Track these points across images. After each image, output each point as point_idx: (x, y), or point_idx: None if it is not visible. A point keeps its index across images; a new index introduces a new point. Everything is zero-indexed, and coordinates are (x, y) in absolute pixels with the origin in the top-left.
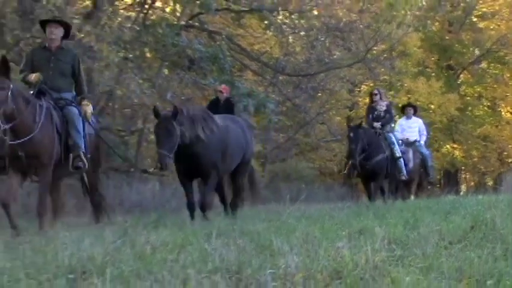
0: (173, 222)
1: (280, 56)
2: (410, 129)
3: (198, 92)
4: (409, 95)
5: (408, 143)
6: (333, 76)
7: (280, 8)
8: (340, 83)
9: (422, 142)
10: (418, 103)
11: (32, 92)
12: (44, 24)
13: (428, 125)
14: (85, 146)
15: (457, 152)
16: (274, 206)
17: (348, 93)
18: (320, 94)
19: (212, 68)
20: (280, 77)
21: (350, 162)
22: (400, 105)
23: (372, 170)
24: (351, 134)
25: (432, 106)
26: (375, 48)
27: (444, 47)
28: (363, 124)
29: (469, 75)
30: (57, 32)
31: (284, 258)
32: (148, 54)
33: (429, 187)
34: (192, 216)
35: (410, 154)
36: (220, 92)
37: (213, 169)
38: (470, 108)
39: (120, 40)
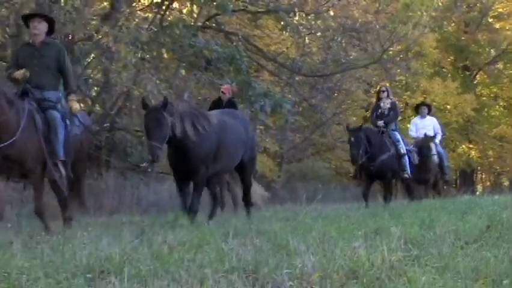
0: (190, 221)
1: (297, 56)
2: (425, 128)
3: (215, 93)
4: (425, 96)
5: (429, 137)
6: (349, 76)
7: (296, 9)
8: (356, 84)
9: (437, 141)
10: (434, 104)
11: (15, 91)
12: (27, 19)
13: (444, 125)
14: (65, 151)
15: (472, 152)
16: (290, 205)
17: (364, 93)
18: (336, 94)
19: (229, 69)
20: (297, 78)
21: (357, 164)
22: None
23: (378, 170)
24: (352, 139)
25: (448, 106)
26: (391, 48)
27: (461, 47)
28: (367, 124)
29: (485, 76)
30: (41, 27)
31: (301, 258)
32: (165, 55)
33: (445, 187)
34: (192, 220)
35: (433, 149)
36: (223, 92)
37: (201, 169)
38: (486, 108)
39: (137, 41)
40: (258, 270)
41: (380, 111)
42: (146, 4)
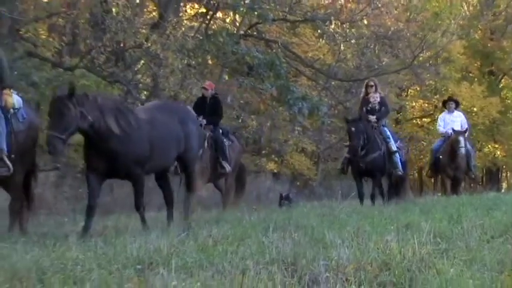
0: (233, 217)
1: (333, 62)
2: (453, 123)
3: (256, 96)
4: None
5: (460, 131)
6: (381, 81)
7: (332, 18)
8: (388, 88)
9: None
10: (462, 106)
11: None
12: None
13: (471, 126)
14: (8, 146)
15: (498, 152)
16: (327, 202)
17: (395, 96)
18: None
19: (269, 74)
20: (333, 82)
21: (344, 156)
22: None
23: (368, 168)
24: (353, 129)
25: (475, 109)
26: (421, 55)
27: (487, 53)
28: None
29: (510, 80)
30: None
31: (336, 251)
32: (209, 61)
33: (471, 185)
34: (88, 224)
35: (462, 142)
36: (205, 88)
37: (137, 168)
38: (510, 110)
39: (184, 48)
40: (296, 262)
41: (370, 106)
42: (192, 14)
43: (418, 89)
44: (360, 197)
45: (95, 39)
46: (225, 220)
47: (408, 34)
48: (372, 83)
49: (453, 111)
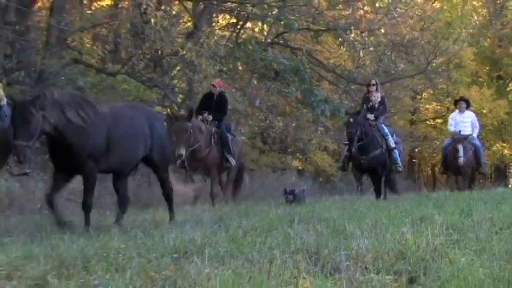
0: (261, 209)
1: (352, 68)
2: (463, 123)
3: (282, 99)
4: None
5: (461, 137)
6: (397, 85)
7: (352, 27)
8: (404, 91)
9: (475, 135)
10: (472, 108)
11: None
12: None
13: (481, 126)
14: None
15: (505, 150)
16: (347, 196)
17: (410, 99)
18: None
19: (294, 79)
20: (352, 86)
21: (345, 154)
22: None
23: (370, 165)
24: (351, 119)
25: (484, 111)
26: (434, 61)
27: (495, 59)
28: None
29: None
30: None
31: (356, 241)
32: (240, 67)
33: (481, 180)
34: (87, 218)
35: (461, 151)
36: (213, 86)
37: (88, 162)
38: None
39: (216, 55)
40: (319, 252)
41: (370, 104)
42: (224, 24)
43: (431, 92)
44: (361, 192)
45: (135, 47)
46: (254, 213)
47: (422, 42)
48: (374, 82)
49: (464, 111)
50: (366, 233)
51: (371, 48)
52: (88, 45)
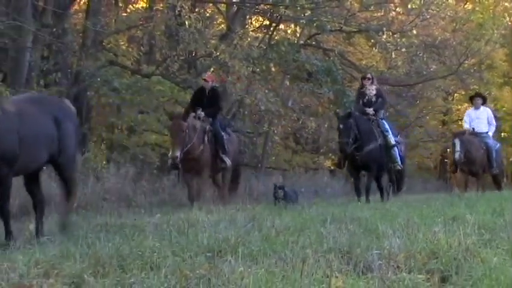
0: (293, 209)
1: (384, 69)
2: (478, 119)
3: (315, 100)
4: (495, 102)
5: (473, 134)
6: (429, 86)
7: (384, 29)
8: (436, 92)
9: (490, 133)
10: (504, 109)
11: None
12: None
13: (498, 124)
14: None
15: None
16: (379, 196)
17: (442, 100)
18: (418, 101)
19: (326, 80)
20: (385, 87)
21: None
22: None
23: (364, 161)
24: (341, 126)
25: None
26: (466, 62)
27: None
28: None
29: None
30: None
31: (388, 241)
32: (272, 69)
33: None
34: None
35: (458, 146)
36: (205, 80)
37: (3, 167)
38: None
39: (249, 57)
40: (351, 251)
41: (366, 98)
42: (257, 26)
43: (463, 93)
44: (357, 192)
45: (170, 49)
46: (286, 212)
47: (454, 43)
48: (369, 76)
49: (479, 108)
50: (398, 232)
51: (403, 50)
52: (123, 47)
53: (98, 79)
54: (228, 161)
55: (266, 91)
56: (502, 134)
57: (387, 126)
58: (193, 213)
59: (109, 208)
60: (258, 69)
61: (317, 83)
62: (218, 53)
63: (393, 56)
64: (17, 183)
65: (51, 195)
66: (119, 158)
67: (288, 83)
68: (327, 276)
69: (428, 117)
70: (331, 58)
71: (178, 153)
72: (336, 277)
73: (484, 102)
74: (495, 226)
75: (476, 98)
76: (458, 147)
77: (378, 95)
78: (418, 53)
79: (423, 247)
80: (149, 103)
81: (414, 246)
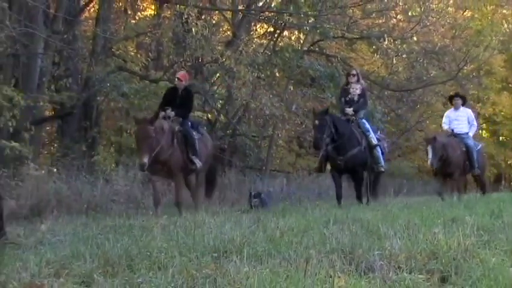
0: (297, 210)
1: (386, 74)
2: (457, 121)
3: (318, 104)
4: (494, 107)
5: (431, 138)
6: (429, 91)
7: (386, 35)
8: (435, 97)
9: (471, 134)
10: (502, 113)
11: None
12: None
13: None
14: None
15: None
16: (381, 198)
17: (442, 105)
18: (418, 106)
19: (329, 85)
20: (386, 92)
21: (321, 154)
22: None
23: (348, 165)
24: (316, 122)
25: None
26: (465, 67)
27: None
28: (335, 112)
29: None
30: None
31: (389, 241)
32: (277, 74)
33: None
34: None
35: (430, 153)
36: (179, 79)
37: None
38: None
39: (254, 63)
40: (353, 251)
41: (349, 97)
42: (262, 33)
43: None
44: (338, 197)
45: (177, 55)
46: (290, 214)
47: (453, 49)
48: (354, 72)
49: (459, 108)
50: (399, 233)
51: (404, 56)
52: (132, 53)
53: (108, 84)
54: (198, 163)
55: (271, 96)
56: (501, 138)
57: (367, 126)
58: (199, 214)
59: (117, 210)
60: (262, 75)
61: (320, 88)
62: (224, 59)
63: (394, 61)
64: (29, 185)
65: (62, 196)
66: (127, 160)
67: (292, 88)
68: (330, 276)
69: (428, 122)
70: (334, 64)
71: (146, 160)
72: (339, 277)
73: (464, 103)
74: (494, 228)
75: (456, 98)
76: (430, 155)
77: (362, 94)
78: (418, 59)
79: (424, 248)
80: (157, 107)
81: (415, 247)
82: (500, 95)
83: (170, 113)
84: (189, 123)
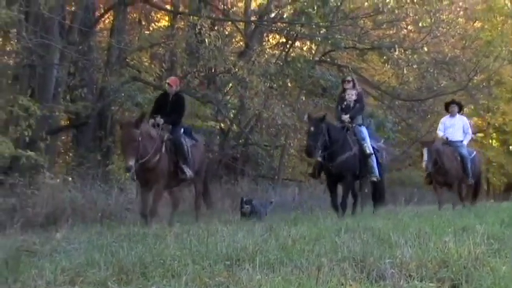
0: (309, 219)
1: (396, 84)
2: (453, 128)
3: (330, 114)
4: (504, 116)
5: (446, 143)
6: (440, 101)
7: (396, 46)
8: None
9: (466, 142)
10: None
11: None
12: None
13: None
14: None
15: None
16: (391, 206)
17: None
18: (429, 116)
19: None
20: (397, 102)
21: (316, 160)
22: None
23: (337, 171)
24: (312, 128)
25: None
26: (475, 77)
27: None
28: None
29: None
30: None
31: (400, 250)
32: (289, 84)
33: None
34: None
35: (425, 155)
36: (169, 85)
37: None
38: None
39: (267, 73)
40: (365, 260)
41: (345, 104)
42: (274, 43)
43: (472, 107)
44: (334, 207)
45: (191, 65)
46: (302, 222)
47: (464, 60)
48: (349, 79)
49: (455, 115)
50: (410, 241)
51: (415, 66)
52: (146, 63)
53: (122, 94)
54: (189, 172)
55: (283, 106)
56: (511, 147)
57: (364, 134)
58: (212, 223)
59: (132, 218)
60: (275, 85)
61: (332, 97)
62: (237, 69)
63: (405, 72)
64: (44, 193)
65: (77, 205)
66: None
67: (303, 98)
68: (342, 284)
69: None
70: (345, 74)
71: (132, 163)
72: (350, 285)
73: (460, 110)
74: (504, 236)
75: (452, 105)
76: (425, 157)
77: (358, 100)
78: (429, 69)
79: (434, 256)
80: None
81: (426, 255)
82: (510, 105)
83: (160, 120)
84: (181, 129)
